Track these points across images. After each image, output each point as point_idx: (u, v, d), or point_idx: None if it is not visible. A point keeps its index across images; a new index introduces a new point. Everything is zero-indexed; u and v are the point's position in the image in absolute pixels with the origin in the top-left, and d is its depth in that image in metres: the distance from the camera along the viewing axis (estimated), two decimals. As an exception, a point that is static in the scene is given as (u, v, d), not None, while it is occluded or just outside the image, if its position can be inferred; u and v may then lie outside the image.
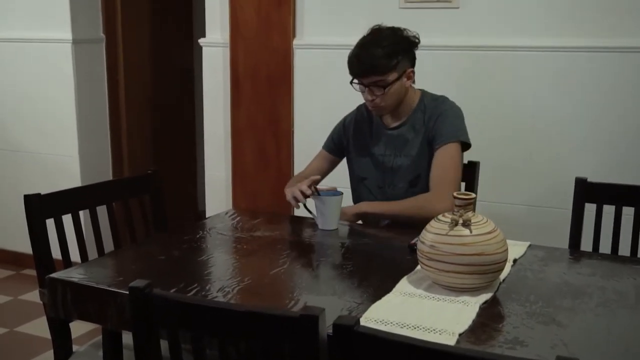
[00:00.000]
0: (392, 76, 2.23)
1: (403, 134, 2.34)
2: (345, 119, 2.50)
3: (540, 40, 2.85)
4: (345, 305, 1.58)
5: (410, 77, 2.29)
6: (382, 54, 2.20)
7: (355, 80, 2.28)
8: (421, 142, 2.30)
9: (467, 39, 2.96)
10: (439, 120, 2.27)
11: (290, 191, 2.27)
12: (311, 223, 2.29)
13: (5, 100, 4.10)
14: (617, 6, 2.72)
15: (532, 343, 1.39)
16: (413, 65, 2.30)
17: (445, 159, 2.23)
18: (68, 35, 3.81)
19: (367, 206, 2.33)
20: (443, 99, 2.35)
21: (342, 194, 2.23)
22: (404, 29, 2.29)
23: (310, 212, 2.28)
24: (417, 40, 2.29)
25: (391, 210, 2.27)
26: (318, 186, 2.27)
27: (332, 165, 2.53)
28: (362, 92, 2.29)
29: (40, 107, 3.99)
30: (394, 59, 2.22)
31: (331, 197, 2.19)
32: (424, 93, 2.37)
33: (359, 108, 2.46)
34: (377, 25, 2.31)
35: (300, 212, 2.33)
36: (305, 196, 2.22)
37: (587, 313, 1.56)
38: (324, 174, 2.49)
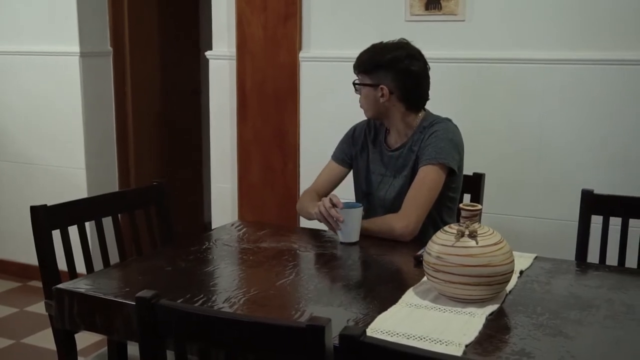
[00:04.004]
0: (364, 79, 2.31)
1: (402, 155, 2.34)
2: (355, 128, 2.49)
3: (546, 53, 2.85)
4: (351, 317, 1.58)
5: (384, 95, 2.29)
6: (368, 58, 2.31)
7: None
8: (414, 162, 2.30)
9: (473, 51, 2.97)
10: (427, 141, 2.27)
11: (316, 210, 2.22)
12: (316, 235, 2.29)
13: (14, 113, 4.12)
14: (625, 19, 2.72)
15: (539, 355, 1.39)
16: (395, 88, 2.28)
17: (420, 180, 2.23)
18: (76, 48, 3.83)
19: None
20: (441, 120, 2.33)
21: (362, 206, 2.22)
22: (411, 55, 2.29)
23: (330, 226, 2.22)
24: (411, 69, 2.27)
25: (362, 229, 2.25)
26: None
27: (341, 177, 2.49)
28: None
29: (48, 119, 4.01)
30: (375, 67, 2.29)
31: (352, 210, 2.17)
32: (427, 114, 2.36)
33: (369, 120, 2.45)
34: (404, 39, 2.35)
35: (307, 223, 2.33)
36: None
37: (595, 325, 1.56)
38: (334, 186, 2.47)
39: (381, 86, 2.29)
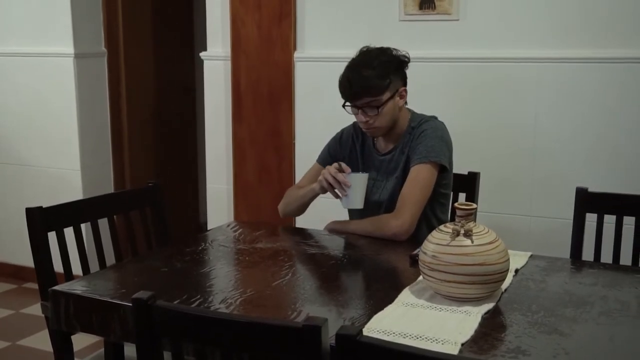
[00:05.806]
0: (386, 96, 2.24)
1: (394, 159, 2.34)
2: (342, 133, 2.48)
3: (540, 51, 2.86)
4: (347, 316, 1.58)
5: (403, 97, 2.30)
6: (374, 75, 2.22)
7: (348, 103, 2.28)
8: (405, 163, 2.30)
9: (467, 51, 2.98)
10: (418, 141, 2.27)
11: (320, 177, 2.24)
12: (312, 235, 2.30)
13: (9, 114, 4.11)
14: (619, 17, 2.73)
15: (535, 352, 1.39)
16: (405, 84, 2.31)
17: (413, 179, 2.23)
18: (70, 50, 3.83)
19: (334, 224, 2.35)
20: (428, 119, 2.34)
21: (367, 174, 2.24)
22: (393, 49, 2.30)
23: (335, 192, 2.24)
24: (406, 59, 2.31)
25: (355, 229, 2.26)
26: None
27: None
28: (355, 114, 2.29)
29: (42, 121, 4.00)
30: (386, 78, 2.23)
31: (359, 175, 2.20)
32: (412, 115, 2.36)
33: (355, 124, 2.43)
34: (365, 47, 2.32)
35: (302, 223, 2.32)
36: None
37: (589, 322, 1.56)
38: None
39: (400, 89, 2.28)
